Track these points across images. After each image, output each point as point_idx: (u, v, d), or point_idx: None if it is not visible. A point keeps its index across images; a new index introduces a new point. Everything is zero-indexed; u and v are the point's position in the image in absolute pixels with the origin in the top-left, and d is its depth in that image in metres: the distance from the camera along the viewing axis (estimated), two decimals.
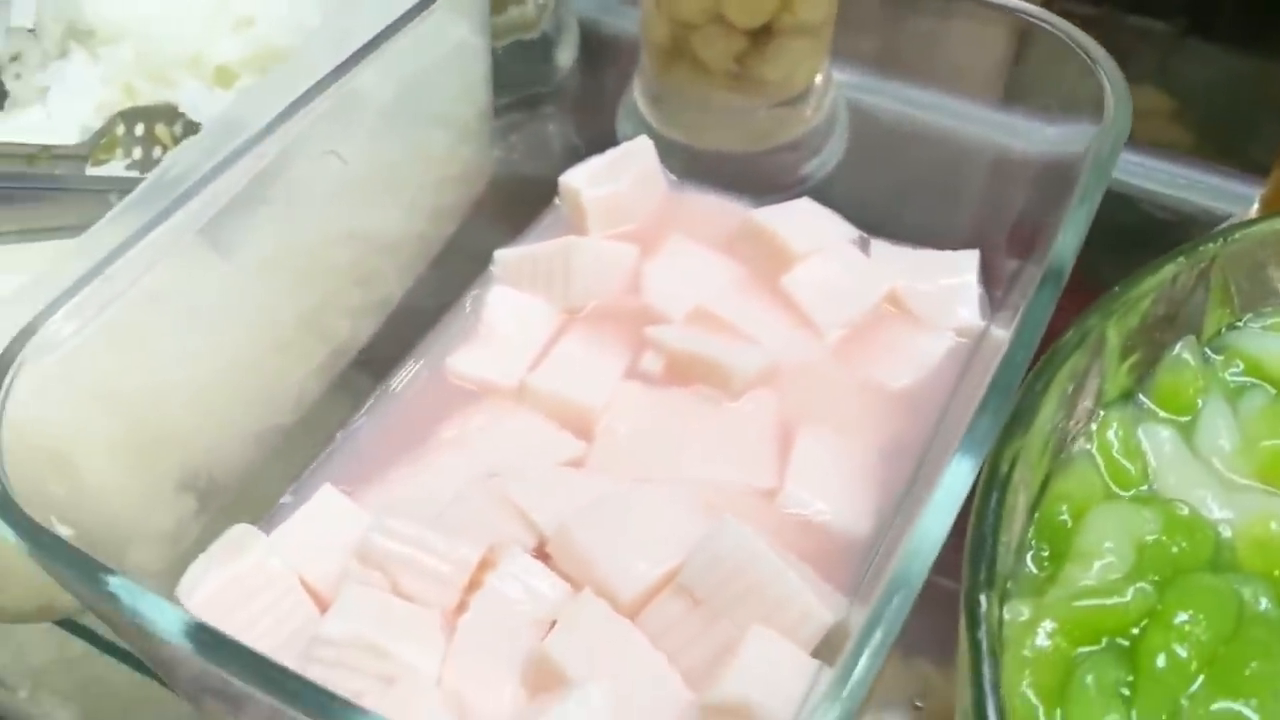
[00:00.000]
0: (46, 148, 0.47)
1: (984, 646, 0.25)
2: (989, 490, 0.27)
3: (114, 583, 0.27)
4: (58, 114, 0.52)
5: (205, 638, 0.26)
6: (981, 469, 0.28)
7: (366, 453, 0.42)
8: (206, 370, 0.41)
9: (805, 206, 0.47)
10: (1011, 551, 0.30)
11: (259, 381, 0.43)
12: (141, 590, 0.26)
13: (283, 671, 0.25)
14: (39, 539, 0.28)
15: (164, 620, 0.26)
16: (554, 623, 0.34)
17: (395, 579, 0.35)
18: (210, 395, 0.41)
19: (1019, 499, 0.28)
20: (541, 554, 0.37)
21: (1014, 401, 0.29)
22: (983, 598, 0.26)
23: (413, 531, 0.35)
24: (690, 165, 0.51)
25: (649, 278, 0.46)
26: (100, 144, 0.48)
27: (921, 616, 0.27)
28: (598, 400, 0.41)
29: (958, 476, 0.28)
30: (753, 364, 0.42)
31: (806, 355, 0.43)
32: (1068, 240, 0.34)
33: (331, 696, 0.25)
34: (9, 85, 0.53)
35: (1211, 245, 0.33)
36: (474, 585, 0.35)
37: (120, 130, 0.49)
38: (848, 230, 0.47)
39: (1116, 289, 0.32)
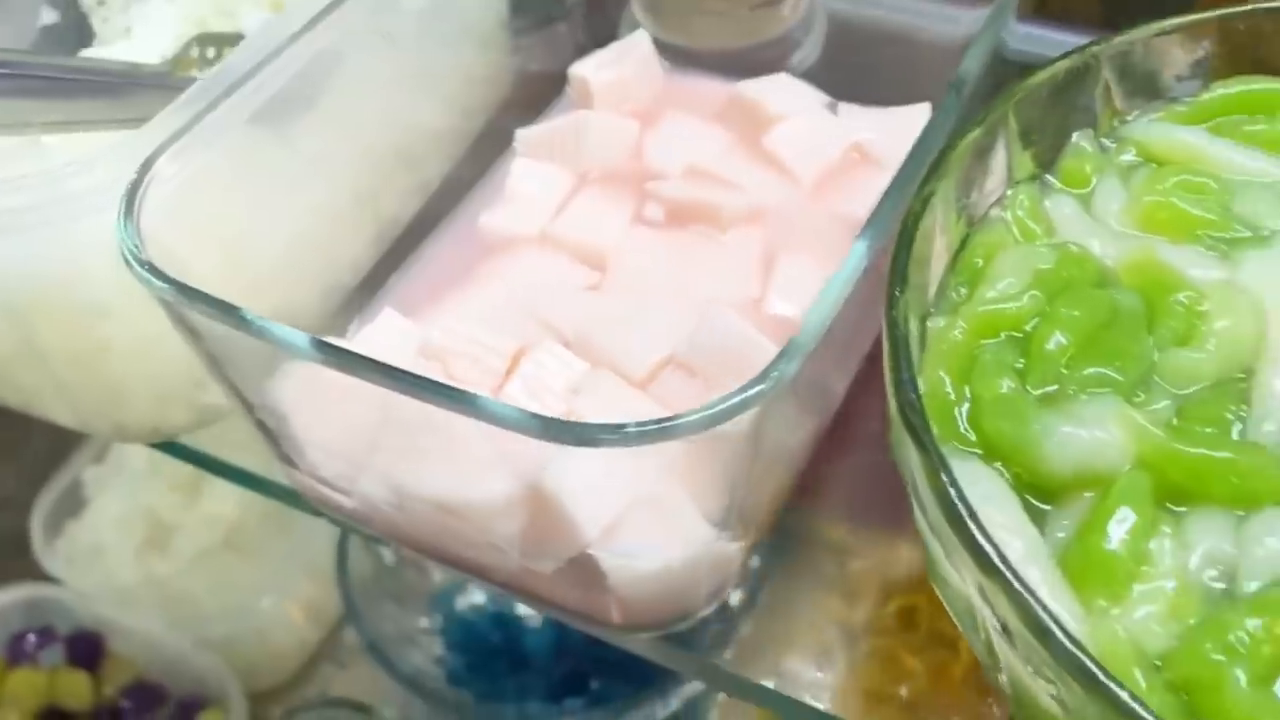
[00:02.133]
0: (134, 65, 0.55)
1: (900, 342, 0.33)
2: (905, 224, 0.35)
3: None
4: (139, 51, 0.61)
5: (330, 349, 0.34)
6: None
7: (417, 292, 0.50)
8: (281, 233, 0.49)
9: (783, 79, 0.55)
10: (935, 290, 0.37)
11: (322, 247, 0.51)
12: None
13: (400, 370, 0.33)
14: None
15: (293, 339, 0.34)
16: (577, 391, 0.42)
17: (449, 367, 0.43)
18: (286, 252, 0.49)
19: (934, 239, 0.36)
20: None
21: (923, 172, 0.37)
22: (898, 301, 0.33)
23: (464, 330, 0.43)
24: (684, 60, 0.59)
25: (649, 145, 0.54)
26: (178, 64, 0.57)
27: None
28: (609, 240, 0.49)
29: (857, 253, 0.36)
30: (740, 204, 0.49)
31: (786, 197, 0.51)
32: (970, 61, 0.42)
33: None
34: (96, 27, 0.62)
35: (1097, 46, 0.40)
36: (511, 373, 0.43)
37: (195, 53, 0.57)
38: (819, 96, 0.54)
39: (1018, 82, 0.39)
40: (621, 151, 0.53)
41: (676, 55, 0.59)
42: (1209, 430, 0.32)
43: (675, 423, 0.32)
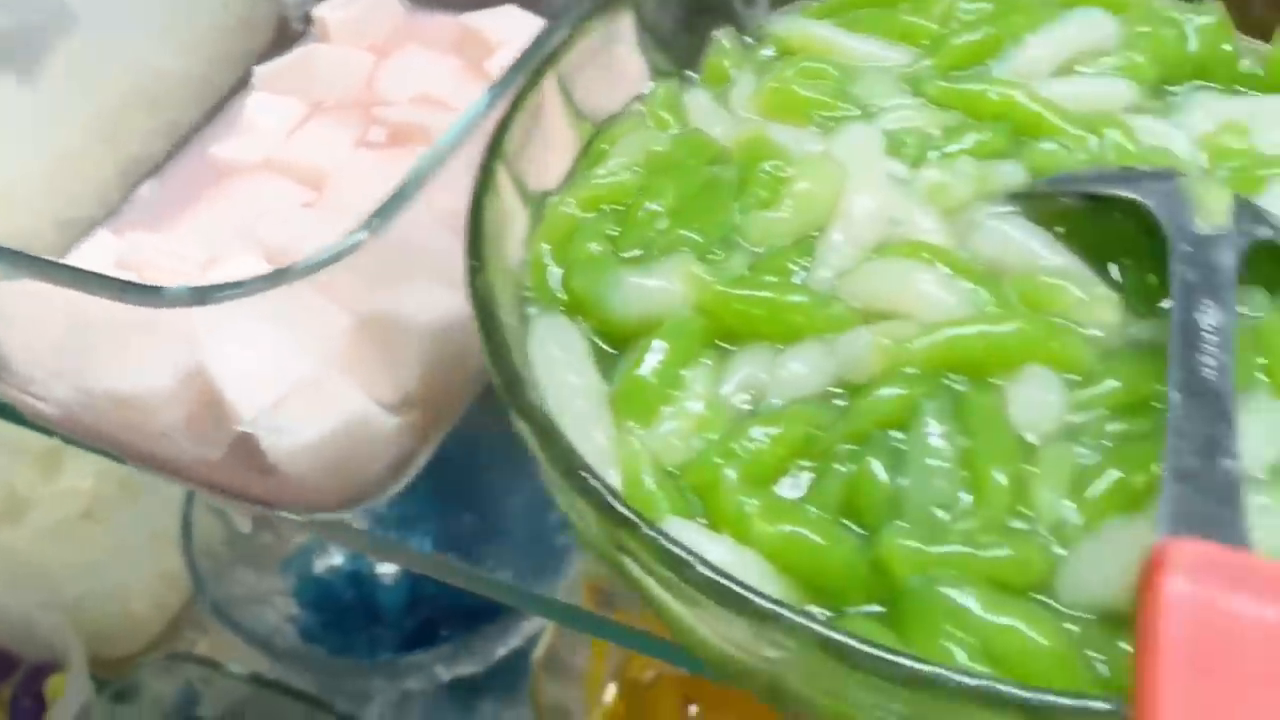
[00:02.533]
0: None
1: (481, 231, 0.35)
2: (505, 120, 0.37)
3: None
4: None
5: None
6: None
7: (148, 217, 0.52)
8: (12, 168, 0.51)
9: (509, 10, 0.57)
10: (565, 177, 0.40)
11: (58, 182, 0.53)
12: None
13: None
14: None
15: None
16: None
17: (143, 275, 0.45)
18: (16, 186, 0.52)
19: (539, 112, 0.38)
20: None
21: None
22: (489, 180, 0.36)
23: (157, 241, 0.45)
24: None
25: (382, 76, 0.56)
26: None
27: None
28: (330, 162, 0.52)
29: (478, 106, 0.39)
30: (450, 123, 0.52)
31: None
32: None
33: None
34: None
35: None
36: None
37: None
38: (539, 22, 0.57)
39: None
40: (354, 83, 0.56)
41: None
42: (774, 279, 0.35)
43: (286, 270, 0.35)
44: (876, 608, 0.28)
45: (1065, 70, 0.41)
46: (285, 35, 0.63)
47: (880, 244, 0.35)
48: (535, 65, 0.39)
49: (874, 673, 0.24)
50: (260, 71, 0.56)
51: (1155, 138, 0.39)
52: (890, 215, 0.36)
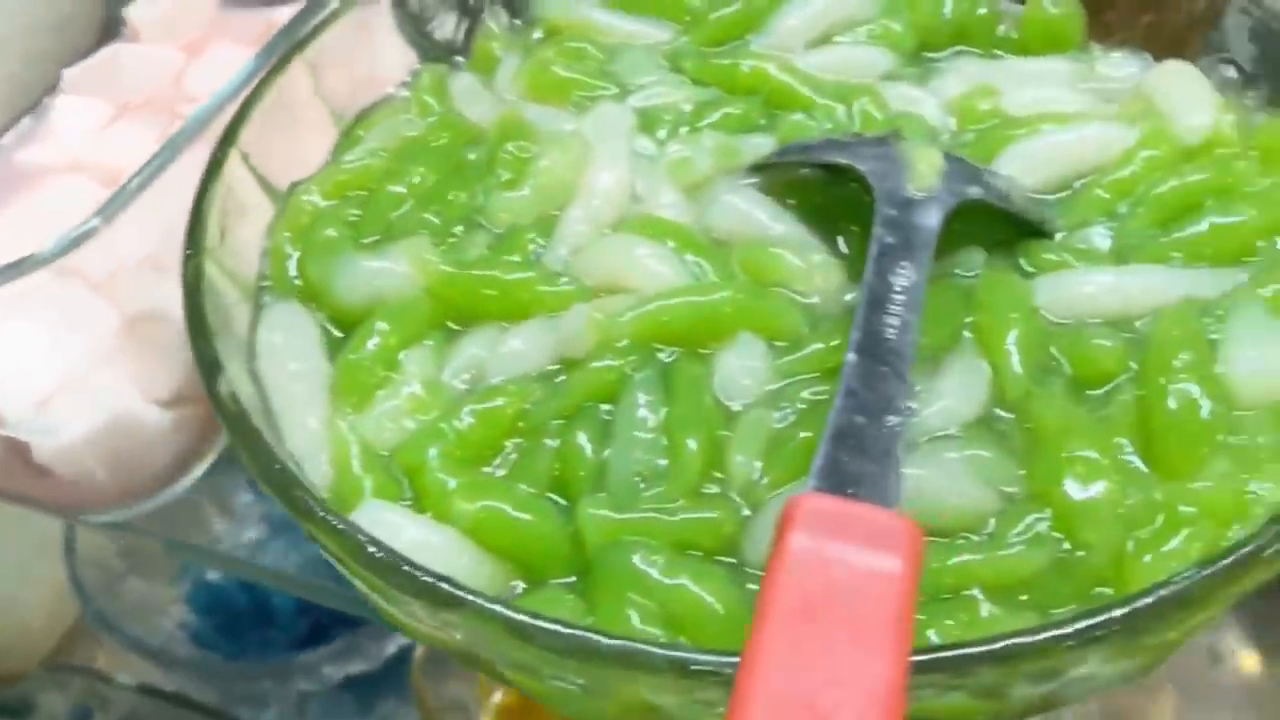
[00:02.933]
0: None
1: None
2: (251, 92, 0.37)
3: None
4: None
5: None
6: None
7: None
8: None
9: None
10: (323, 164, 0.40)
11: None
12: None
13: None
14: None
15: None
16: None
17: None
18: None
19: (286, 100, 0.38)
20: None
21: None
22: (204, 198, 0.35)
23: None
24: None
25: (191, 74, 0.55)
26: None
27: None
28: (134, 163, 0.51)
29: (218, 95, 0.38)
30: None
31: None
32: None
33: None
34: None
35: None
36: None
37: None
38: None
39: None
40: (162, 82, 0.55)
41: None
42: (504, 259, 0.35)
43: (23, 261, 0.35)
44: (573, 578, 0.29)
45: (824, 40, 0.42)
46: (110, 35, 0.63)
47: (619, 221, 0.36)
48: (281, 54, 0.38)
49: (524, 639, 0.24)
50: (68, 74, 0.56)
51: (906, 103, 0.39)
52: (632, 192, 0.36)
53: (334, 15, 0.40)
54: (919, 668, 0.22)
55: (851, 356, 0.28)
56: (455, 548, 0.29)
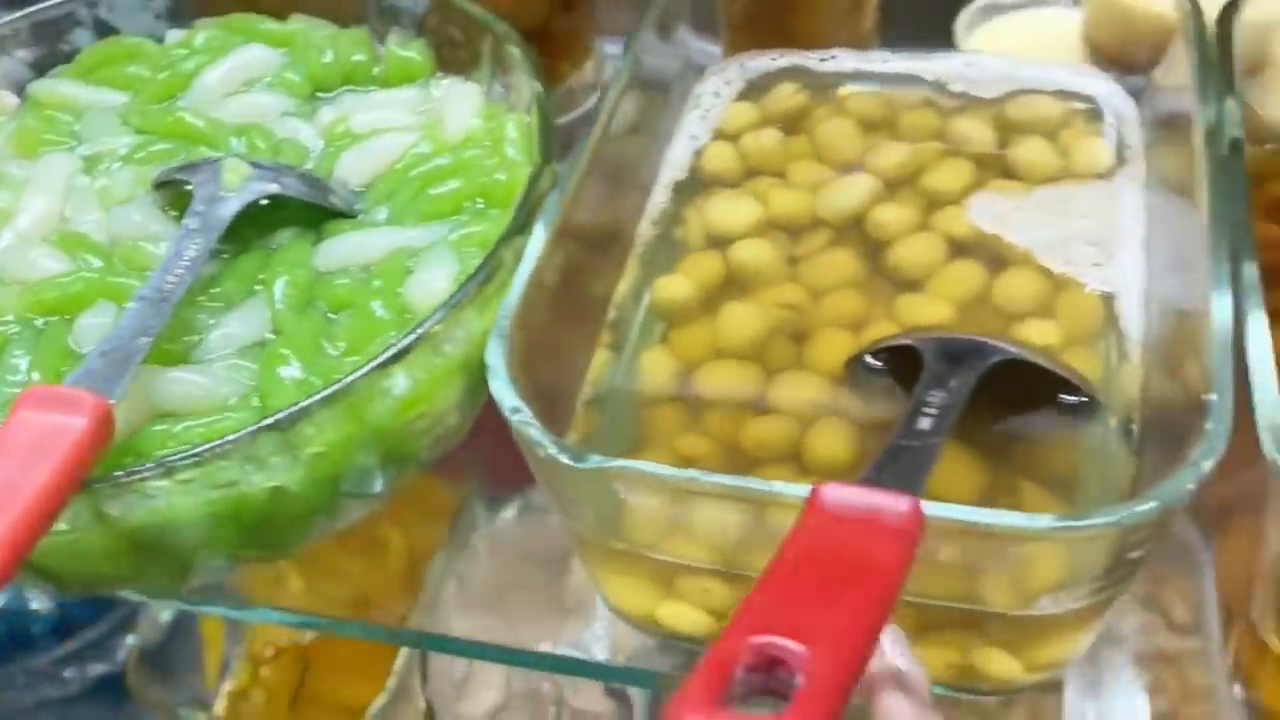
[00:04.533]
0: None
1: None
2: None
3: None
4: None
5: None
6: None
7: None
8: None
9: None
10: None
11: None
12: None
13: None
14: None
15: None
16: None
17: None
18: None
19: None
20: None
21: None
22: None
23: None
24: None
25: None
26: None
27: None
28: None
29: None
30: None
31: None
32: None
33: None
34: None
35: None
36: None
37: None
38: None
39: None
40: None
41: None
42: None
43: None
44: None
45: (244, 89, 0.56)
46: None
47: (49, 235, 0.49)
48: None
49: None
50: None
51: (290, 132, 0.54)
52: (62, 214, 0.50)
53: None
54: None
55: (131, 304, 0.42)
56: None
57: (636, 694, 0.86)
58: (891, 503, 0.31)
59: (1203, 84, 0.45)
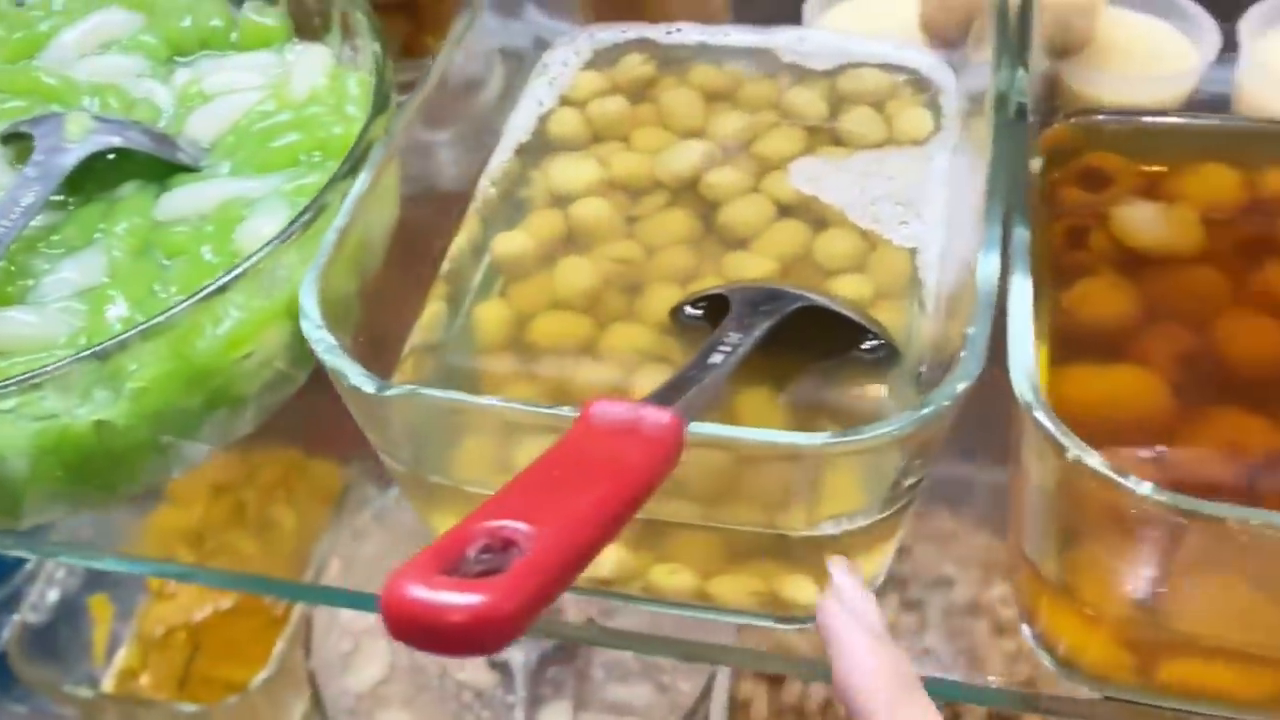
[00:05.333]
0: None
1: None
2: None
3: None
4: None
5: None
6: None
7: None
8: None
9: None
10: None
11: None
12: None
13: None
14: None
15: None
16: None
17: None
18: None
19: None
20: None
21: None
22: None
23: None
24: None
25: None
26: None
27: None
28: None
29: None
30: None
31: None
32: None
33: None
34: None
35: None
36: None
37: None
38: None
39: None
40: None
41: None
42: None
43: None
44: None
45: (101, 51, 0.57)
46: None
47: None
48: None
49: None
50: None
51: (145, 93, 0.55)
52: None
53: None
54: None
55: None
56: None
57: (518, 665, 0.88)
58: (654, 416, 0.33)
59: (999, 55, 0.47)
